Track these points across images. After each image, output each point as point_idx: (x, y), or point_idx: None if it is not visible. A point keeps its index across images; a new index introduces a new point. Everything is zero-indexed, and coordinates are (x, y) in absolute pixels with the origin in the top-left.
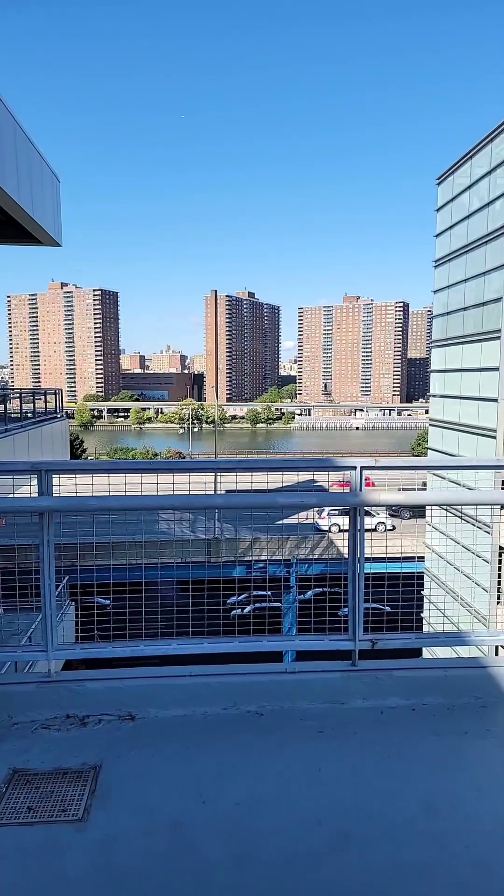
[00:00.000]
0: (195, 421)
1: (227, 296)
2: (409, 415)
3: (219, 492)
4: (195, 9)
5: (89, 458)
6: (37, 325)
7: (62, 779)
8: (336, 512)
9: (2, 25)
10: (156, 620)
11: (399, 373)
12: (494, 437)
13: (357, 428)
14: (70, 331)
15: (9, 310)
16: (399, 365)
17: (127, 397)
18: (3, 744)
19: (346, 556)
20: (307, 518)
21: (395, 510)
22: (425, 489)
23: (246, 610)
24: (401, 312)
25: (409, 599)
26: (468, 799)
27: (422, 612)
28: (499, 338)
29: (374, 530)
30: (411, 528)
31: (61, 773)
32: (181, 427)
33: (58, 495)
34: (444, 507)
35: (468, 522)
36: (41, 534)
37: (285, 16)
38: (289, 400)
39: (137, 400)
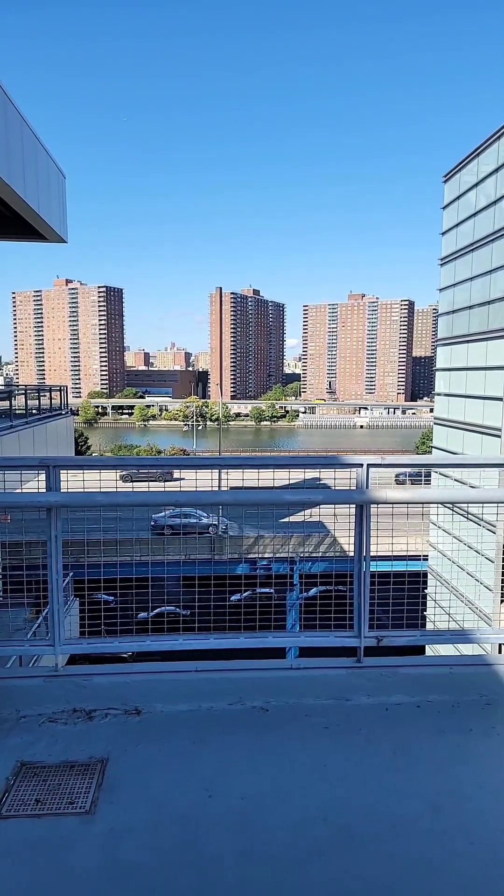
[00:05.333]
0: (199, 418)
1: (231, 293)
2: (414, 413)
3: (223, 489)
4: (201, 9)
5: (94, 454)
6: (42, 322)
7: (69, 772)
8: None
9: (7, 24)
10: (161, 615)
11: (404, 371)
12: (499, 436)
13: (361, 426)
14: (75, 327)
15: (14, 306)
16: (404, 363)
17: (131, 394)
18: (10, 737)
19: (350, 553)
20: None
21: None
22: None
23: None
24: (406, 311)
25: (414, 597)
26: (472, 796)
27: (426, 610)
28: None
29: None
30: (416, 526)
31: (68, 766)
32: (185, 424)
33: (65, 491)
34: (449, 505)
35: (472, 521)
36: (49, 529)
37: (292, 17)
38: (293, 398)
39: (142, 397)
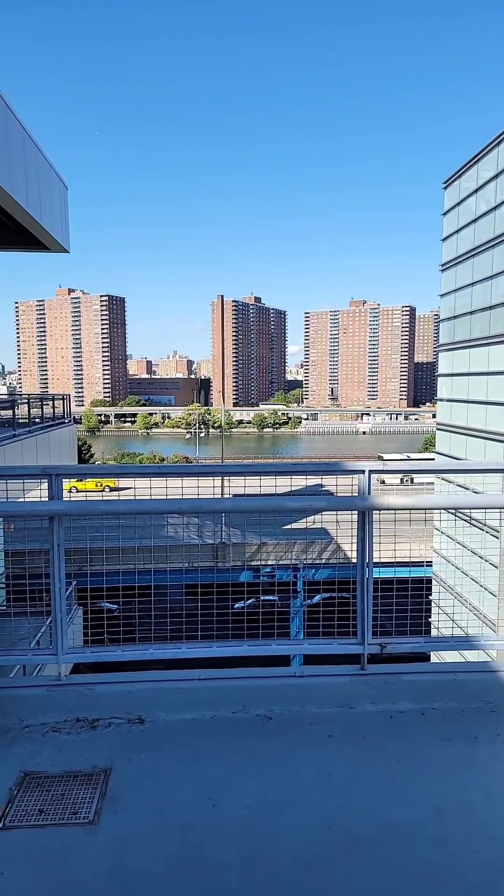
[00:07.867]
0: (202, 426)
1: (233, 301)
2: (416, 419)
3: (225, 496)
4: (200, 12)
5: (97, 462)
6: (44, 331)
7: (73, 781)
8: None
9: (8, 27)
10: (164, 624)
11: (406, 377)
12: (502, 441)
13: (364, 432)
14: (77, 336)
15: (17, 316)
16: (406, 369)
17: (134, 402)
18: (13, 747)
19: (354, 560)
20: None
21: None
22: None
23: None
24: (407, 316)
25: (418, 604)
26: (477, 803)
27: (430, 616)
28: None
29: None
30: (420, 532)
31: (72, 775)
32: (188, 432)
33: (68, 499)
34: (452, 511)
35: (476, 527)
36: (51, 537)
37: (291, 20)
38: (295, 404)
39: (144, 405)
